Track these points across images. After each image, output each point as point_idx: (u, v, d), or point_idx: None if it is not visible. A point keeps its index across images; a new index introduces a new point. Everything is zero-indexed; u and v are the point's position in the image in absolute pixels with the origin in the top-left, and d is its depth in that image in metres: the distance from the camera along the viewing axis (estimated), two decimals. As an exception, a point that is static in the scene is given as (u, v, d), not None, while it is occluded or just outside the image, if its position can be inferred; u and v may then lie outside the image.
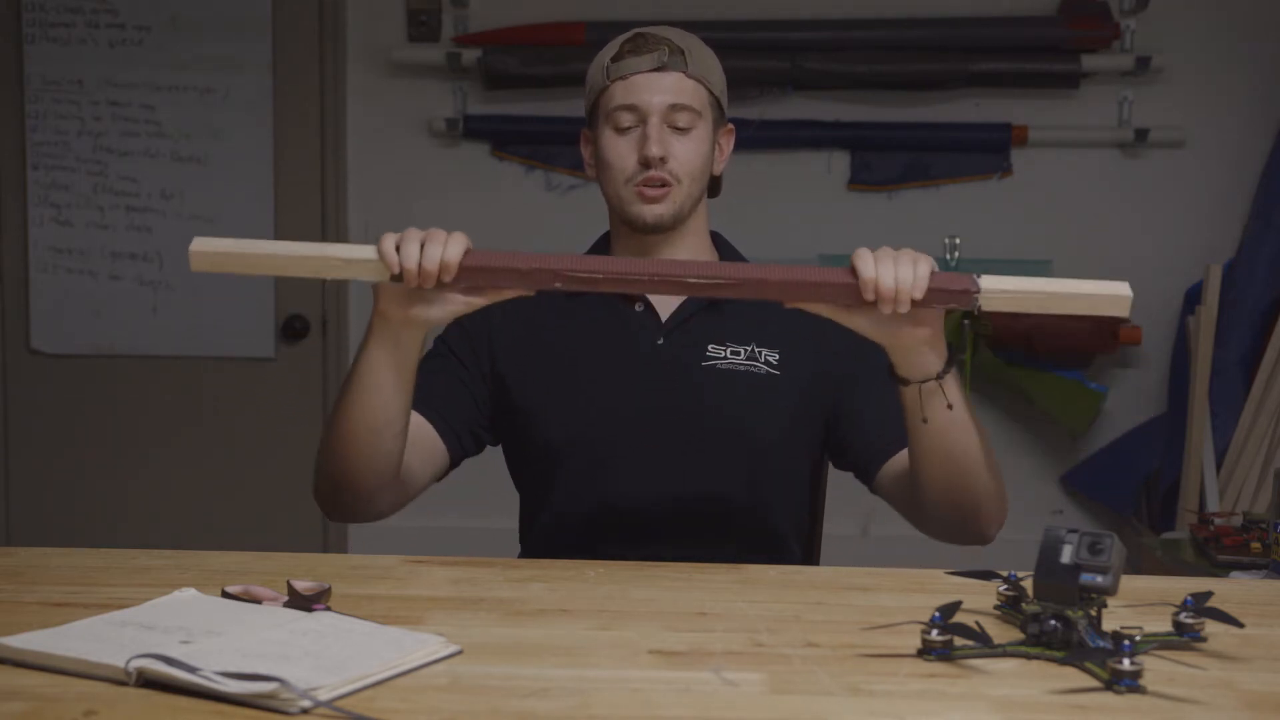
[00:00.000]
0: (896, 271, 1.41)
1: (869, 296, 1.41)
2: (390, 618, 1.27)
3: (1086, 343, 3.42)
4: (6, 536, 3.68)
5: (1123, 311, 1.41)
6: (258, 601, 1.30)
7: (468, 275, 1.43)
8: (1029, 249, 3.57)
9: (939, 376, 1.49)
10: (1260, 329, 3.31)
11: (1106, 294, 1.40)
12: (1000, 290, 1.41)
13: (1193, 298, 3.46)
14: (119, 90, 3.61)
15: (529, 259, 1.45)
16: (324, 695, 1.03)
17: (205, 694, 1.03)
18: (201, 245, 1.45)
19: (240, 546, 1.63)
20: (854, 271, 1.42)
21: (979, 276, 1.41)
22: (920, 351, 1.47)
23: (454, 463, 1.75)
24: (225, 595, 1.32)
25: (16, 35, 3.60)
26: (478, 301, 1.47)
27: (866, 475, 1.73)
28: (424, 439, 1.69)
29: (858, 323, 1.45)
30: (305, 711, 1.01)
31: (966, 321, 3.40)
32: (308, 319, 3.64)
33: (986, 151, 3.58)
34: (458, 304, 1.46)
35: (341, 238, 3.64)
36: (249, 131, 3.61)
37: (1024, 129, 3.54)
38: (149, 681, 1.06)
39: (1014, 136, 3.54)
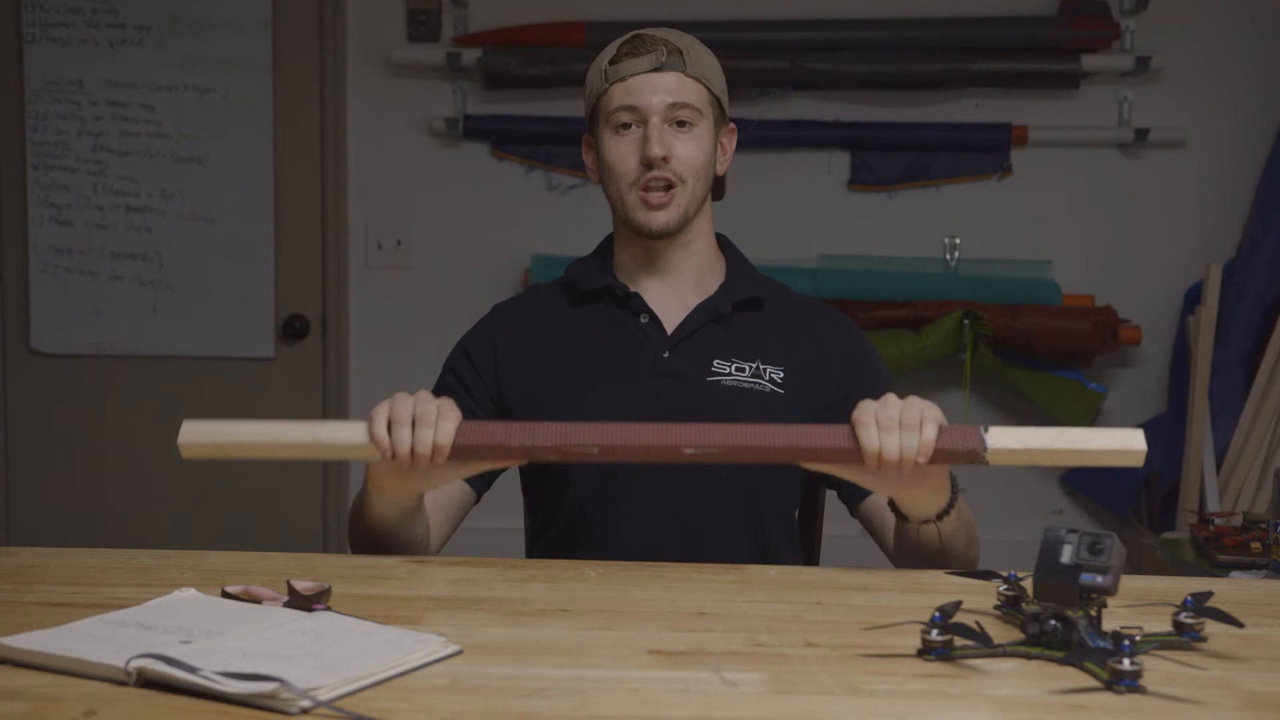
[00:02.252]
0: (901, 441, 1.39)
1: (872, 466, 1.40)
2: (390, 618, 1.27)
3: (1086, 343, 3.42)
4: (6, 536, 3.68)
5: (1137, 463, 1.35)
6: (258, 601, 1.30)
7: (459, 453, 1.44)
8: (1029, 249, 3.58)
9: (938, 519, 1.50)
10: (1260, 329, 3.31)
11: (1119, 448, 1.35)
12: (1008, 447, 1.37)
13: (1193, 298, 3.46)
14: (119, 90, 3.61)
15: (521, 433, 1.45)
16: (324, 695, 1.03)
17: (205, 694, 1.04)
18: (190, 435, 1.46)
19: (240, 546, 1.63)
20: (856, 437, 1.40)
21: (985, 431, 1.38)
22: (922, 500, 1.48)
23: (481, 494, 1.77)
24: (225, 595, 1.32)
25: (16, 35, 3.60)
26: (471, 469, 1.48)
27: (848, 502, 1.74)
28: (446, 490, 1.70)
29: (860, 478, 1.45)
30: (305, 711, 1.01)
31: (967, 322, 3.40)
32: (308, 319, 3.64)
33: (986, 151, 3.58)
34: (451, 474, 1.48)
35: (341, 237, 3.64)
36: (249, 131, 3.61)
37: (1024, 129, 3.54)
38: (149, 681, 1.06)
39: (1014, 136, 3.54)
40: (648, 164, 1.67)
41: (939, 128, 3.57)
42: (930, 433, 1.40)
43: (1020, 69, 3.53)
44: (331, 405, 3.66)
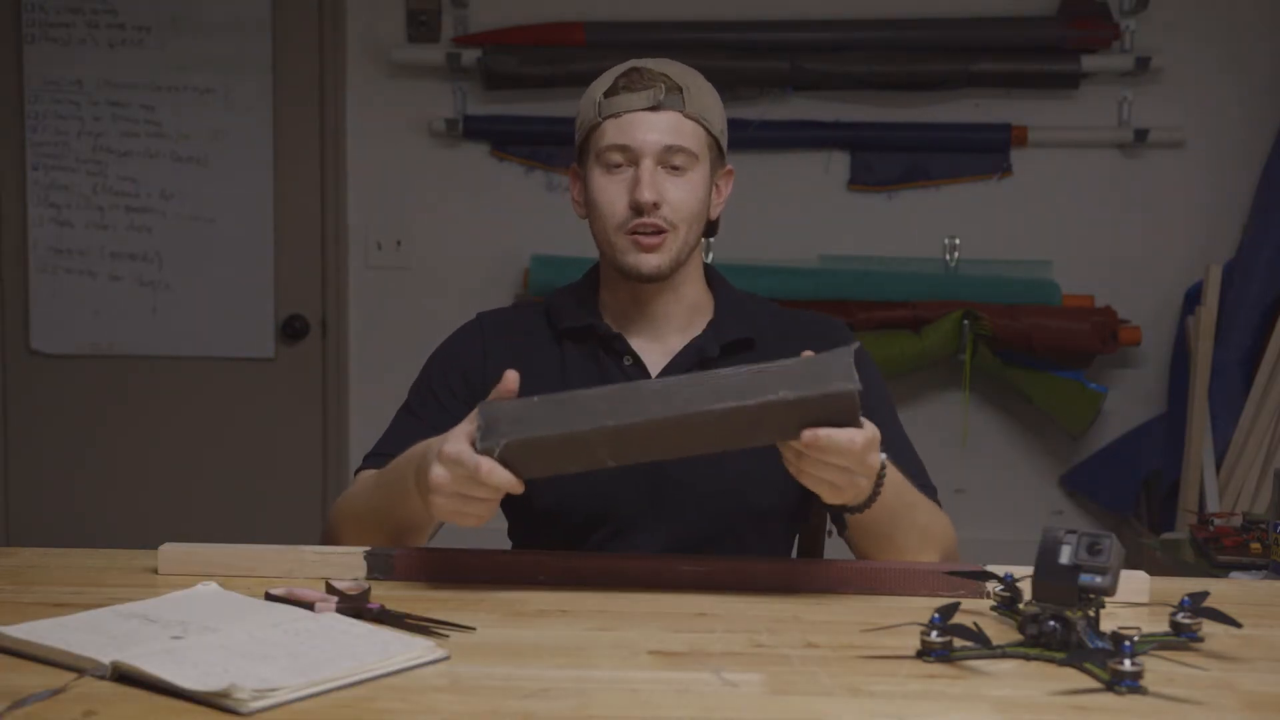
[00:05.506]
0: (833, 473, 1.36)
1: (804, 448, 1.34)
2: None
3: (1086, 343, 3.42)
4: (6, 537, 3.68)
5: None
6: (309, 604, 1.29)
7: (447, 568, 1.44)
8: (1029, 249, 3.58)
9: (860, 510, 1.45)
10: (1260, 329, 3.31)
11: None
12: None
13: (1193, 298, 3.46)
14: (119, 90, 3.61)
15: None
16: (281, 696, 1.04)
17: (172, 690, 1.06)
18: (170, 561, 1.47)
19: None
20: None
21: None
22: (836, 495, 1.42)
23: None
24: (269, 597, 1.32)
25: (16, 35, 3.60)
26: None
27: (836, 522, 1.71)
28: None
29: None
30: (255, 712, 1.02)
31: (966, 322, 3.40)
32: (307, 319, 3.64)
33: (986, 152, 3.58)
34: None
35: (341, 237, 3.64)
36: (249, 131, 3.61)
37: (1024, 129, 3.54)
38: (123, 675, 1.09)
39: (1014, 137, 3.54)
40: (637, 209, 1.60)
41: (939, 128, 3.57)
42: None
43: (1020, 69, 3.53)
44: (331, 405, 3.66)
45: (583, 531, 1.65)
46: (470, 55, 3.54)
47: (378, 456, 1.67)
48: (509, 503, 1.67)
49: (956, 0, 3.54)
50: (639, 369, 1.67)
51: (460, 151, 3.65)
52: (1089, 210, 3.59)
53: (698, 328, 1.70)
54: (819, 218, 3.60)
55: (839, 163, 3.62)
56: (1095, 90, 3.56)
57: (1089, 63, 3.50)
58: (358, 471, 1.70)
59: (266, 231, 3.62)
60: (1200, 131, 3.55)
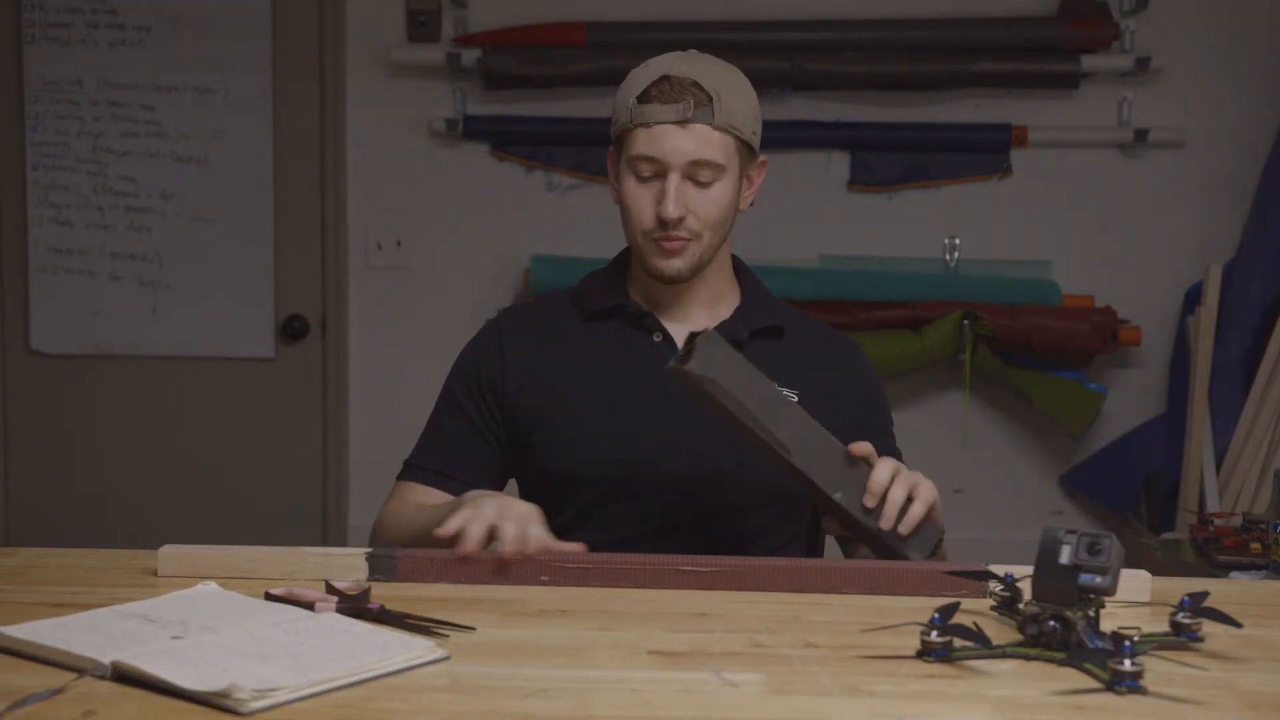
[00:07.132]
0: (901, 495, 1.53)
1: (874, 496, 1.53)
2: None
3: (1086, 343, 3.42)
4: (6, 537, 3.68)
5: None
6: (309, 604, 1.29)
7: (450, 569, 1.45)
8: (1029, 249, 3.58)
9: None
10: (1260, 329, 3.31)
11: None
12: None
13: (1193, 298, 3.46)
14: (119, 90, 3.61)
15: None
16: (281, 696, 1.04)
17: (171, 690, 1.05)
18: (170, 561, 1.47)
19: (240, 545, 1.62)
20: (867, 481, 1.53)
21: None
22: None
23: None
24: (269, 597, 1.32)
25: (16, 36, 3.60)
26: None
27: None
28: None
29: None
30: (255, 712, 1.02)
31: (966, 322, 3.40)
32: (307, 319, 3.64)
33: (986, 152, 3.58)
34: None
35: (341, 238, 3.64)
36: (249, 131, 3.61)
37: (1024, 129, 3.54)
38: (123, 675, 1.09)
39: (1014, 137, 3.54)
40: (662, 221, 1.65)
41: (939, 128, 3.57)
42: (919, 511, 1.52)
43: (1020, 69, 3.53)
44: (331, 405, 3.66)
45: (599, 502, 1.69)
46: (470, 55, 3.54)
47: (416, 469, 1.75)
48: (524, 473, 1.72)
49: (956, 0, 3.54)
50: (668, 345, 1.72)
51: (460, 151, 3.65)
52: (1089, 210, 3.59)
53: (725, 312, 1.75)
54: (819, 218, 3.60)
55: (839, 163, 3.62)
56: (1095, 90, 3.56)
57: (1089, 63, 3.50)
58: (399, 480, 1.76)
59: (266, 231, 3.62)
60: (1200, 131, 3.55)
